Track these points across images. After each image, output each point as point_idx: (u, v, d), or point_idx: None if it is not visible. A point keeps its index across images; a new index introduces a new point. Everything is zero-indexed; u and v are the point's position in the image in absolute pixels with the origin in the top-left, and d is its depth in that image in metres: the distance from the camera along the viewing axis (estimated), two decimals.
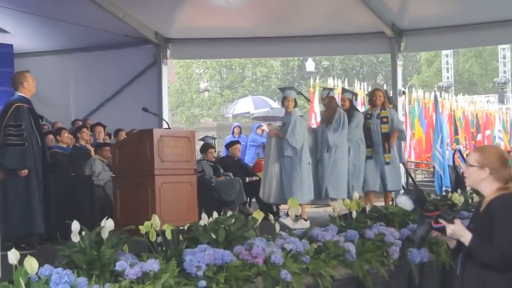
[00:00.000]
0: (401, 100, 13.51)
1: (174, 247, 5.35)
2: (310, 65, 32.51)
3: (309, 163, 9.60)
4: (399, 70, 13.36)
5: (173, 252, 5.24)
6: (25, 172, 7.75)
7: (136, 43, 13.79)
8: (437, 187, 12.84)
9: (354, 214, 7.14)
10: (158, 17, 13.00)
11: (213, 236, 5.62)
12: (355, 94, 11.17)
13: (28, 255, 4.50)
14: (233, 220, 5.85)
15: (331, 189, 9.79)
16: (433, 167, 14.35)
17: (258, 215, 6.06)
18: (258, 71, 38.50)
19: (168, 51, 13.90)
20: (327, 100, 10.26)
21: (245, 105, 22.21)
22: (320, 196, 9.89)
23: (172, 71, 33.19)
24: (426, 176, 21.88)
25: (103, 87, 14.06)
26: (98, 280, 4.69)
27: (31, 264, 4.43)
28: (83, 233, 4.96)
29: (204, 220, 5.79)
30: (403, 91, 13.84)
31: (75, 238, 4.91)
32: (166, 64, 13.99)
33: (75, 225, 4.95)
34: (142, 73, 13.96)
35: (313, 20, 12.83)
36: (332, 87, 12.57)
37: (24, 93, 7.98)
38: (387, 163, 10.32)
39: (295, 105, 9.95)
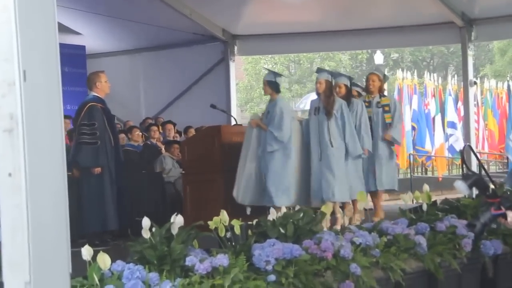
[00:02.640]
0: (472, 91, 13.25)
1: (243, 242, 5.38)
2: (379, 58, 32.22)
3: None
4: (470, 60, 13.08)
5: (242, 247, 5.27)
6: (98, 170, 7.92)
7: (203, 40, 13.91)
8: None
9: (424, 207, 7.04)
10: (225, 14, 13.09)
11: (282, 230, 5.63)
12: (352, 79, 9.67)
13: (101, 251, 4.61)
14: (301, 215, 5.85)
15: (336, 190, 8.44)
16: (507, 158, 14.03)
17: (327, 209, 6.05)
18: (326, 65, 38.29)
19: (236, 47, 13.97)
20: (325, 84, 8.67)
21: None
22: (308, 199, 8.51)
23: (240, 67, 33.35)
24: (501, 167, 21.41)
25: (172, 85, 14.24)
26: (169, 275, 4.76)
27: (104, 260, 4.53)
28: (154, 229, 5.04)
29: (273, 215, 5.81)
30: (474, 82, 13.55)
31: (146, 234, 4.99)
32: (234, 60, 14.07)
33: (146, 222, 5.03)
34: (210, 70, 14.08)
35: (381, 12, 12.69)
36: (329, 69, 10.43)
37: (98, 93, 8.17)
38: (390, 158, 9.43)
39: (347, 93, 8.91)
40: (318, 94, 8.73)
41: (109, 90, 8.32)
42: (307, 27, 13.43)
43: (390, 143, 9.37)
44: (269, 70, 8.93)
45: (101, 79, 8.22)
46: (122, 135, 10.86)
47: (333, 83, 8.77)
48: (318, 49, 21.51)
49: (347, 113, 8.57)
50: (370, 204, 8.13)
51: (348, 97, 8.93)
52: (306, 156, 8.60)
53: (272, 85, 8.49)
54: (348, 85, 9.12)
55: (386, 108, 9.33)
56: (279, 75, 8.83)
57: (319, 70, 9.13)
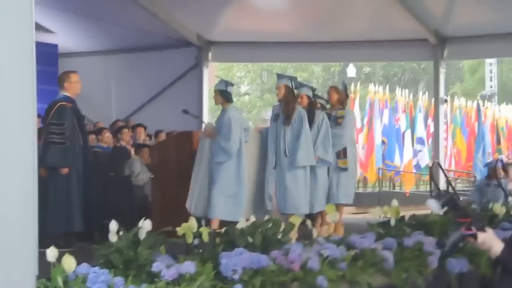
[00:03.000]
0: (443, 108, 13.37)
1: (210, 249, 5.34)
2: (351, 71, 32.37)
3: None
4: (442, 78, 13.24)
5: (210, 254, 5.23)
6: (65, 170, 7.83)
7: (178, 45, 13.89)
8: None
9: (392, 222, 7.05)
10: (200, 19, 13.07)
11: (250, 239, 5.60)
12: (314, 90, 9.44)
13: (66, 254, 4.54)
14: (270, 224, 5.82)
15: (283, 200, 8.33)
16: (474, 176, 14.17)
17: (296, 220, 6.03)
18: (299, 76, 38.38)
19: (210, 53, 13.97)
20: (284, 90, 8.48)
21: None
22: (261, 208, 8.33)
23: (213, 73, 33.29)
24: (467, 185, 21.60)
25: (145, 88, 14.18)
26: (135, 280, 4.69)
27: (69, 262, 4.45)
28: (121, 233, 4.98)
29: (241, 223, 5.77)
30: (445, 99, 13.67)
31: (113, 237, 4.93)
32: (208, 66, 14.07)
33: (113, 225, 4.97)
34: (184, 75, 14.05)
35: (355, 26, 12.79)
36: (291, 75, 9.91)
37: (68, 93, 8.08)
38: (343, 169, 9.18)
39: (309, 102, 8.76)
40: (279, 100, 8.61)
41: (80, 91, 8.22)
42: (282, 36, 13.48)
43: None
44: (221, 78, 8.61)
45: (71, 79, 8.14)
46: (92, 136, 10.75)
47: (295, 94, 8.65)
48: (291, 59, 21.55)
49: (305, 123, 8.39)
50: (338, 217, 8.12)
51: (310, 108, 8.81)
52: (263, 165, 8.50)
53: (223, 94, 8.27)
54: (311, 96, 9.01)
55: (339, 121, 9.25)
56: (231, 84, 8.56)
57: (279, 76, 8.96)
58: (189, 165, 8.29)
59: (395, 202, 7.38)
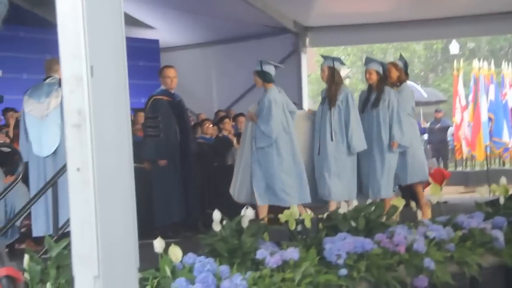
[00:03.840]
0: None
1: (313, 235, 5.35)
2: (454, 47, 31.56)
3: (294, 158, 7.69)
4: None
5: (313, 240, 5.24)
6: (162, 162, 7.96)
7: (275, 33, 13.91)
8: None
9: (501, 200, 6.85)
10: (296, 6, 13.04)
11: (353, 224, 5.57)
12: (384, 65, 8.66)
13: (173, 244, 4.66)
14: (373, 208, 5.77)
15: (332, 189, 7.95)
16: None
17: (399, 202, 5.96)
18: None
19: (307, 39, 13.92)
20: (327, 72, 8.17)
21: None
22: (315, 197, 7.96)
23: (312, 59, 33.15)
24: None
25: (244, 77, 14.24)
26: (240, 268, 4.76)
27: (175, 252, 4.57)
28: (225, 222, 5.06)
29: (344, 208, 5.75)
30: None
31: (217, 227, 5.01)
32: (306, 52, 14.02)
33: (217, 214, 5.05)
34: (282, 62, 14.00)
35: (457, 0, 12.42)
36: (336, 56, 9.12)
37: (166, 87, 8.24)
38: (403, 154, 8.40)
39: (381, 79, 8.22)
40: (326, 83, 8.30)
41: (175, 85, 8.32)
42: (380, 17, 13.26)
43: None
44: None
45: (163, 74, 8.29)
46: (195, 128, 10.94)
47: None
48: (391, 40, 21.25)
49: (352, 105, 8.04)
50: (444, 197, 7.93)
51: (379, 84, 8.31)
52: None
53: (259, 74, 7.87)
54: (380, 71, 8.41)
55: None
56: (267, 63, 7.98)
57: (324, 57, 8.61)
58: None
59: (503, 180, 7.16)
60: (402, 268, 5.41)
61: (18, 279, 1.96)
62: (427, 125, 19.98)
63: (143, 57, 13.90)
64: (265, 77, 7.81)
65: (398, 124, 8.21)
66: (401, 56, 9.40)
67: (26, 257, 4.42)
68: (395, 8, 13.03)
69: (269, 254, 4.83)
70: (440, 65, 38.25)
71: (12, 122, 10.16)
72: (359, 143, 8.02)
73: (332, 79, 8.13)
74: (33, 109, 7.07)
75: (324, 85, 8.38)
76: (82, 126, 2.14)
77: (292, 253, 4.83)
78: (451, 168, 18.87)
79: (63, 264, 4.37)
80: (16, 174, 6.76)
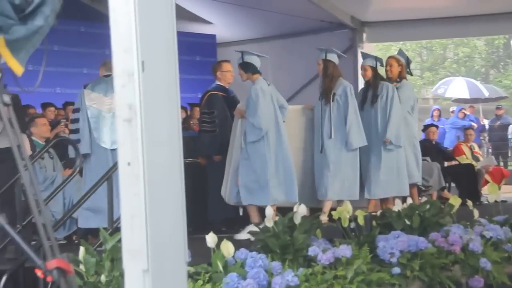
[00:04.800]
0: None
1: (367, 233, 5.31)
2: None
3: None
4: None
5: (366, 238, 5.21)
6: (218, 157, 7.97)
7: (332, 28, 13.79)
8: None
9: None
10: (354, 1, 12.92)
11: (407, 222, 5.51)
12: (380, 60, 8.41)
13: (225, 239, 4.68)
14: (428, 206, 5.70)
15: (332, 188, 7.55)
16: None
17: (455, 201, 5.86)
18: (460, 52, 37.18)
19: (364, 34, 13.78)
20: (324, 65, 7.86)
21: (458, 90, 20.80)
22: (313, 198, 7.59)
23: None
24: None
25: (301, 73, 14.22)
26: (292, 264, 4.76)
27: (228, 247, 4.59)
28: (277, 218, 5.06)
29: (398, 206, 5.69)
30: None
31: (269, 223, 5.01)
32: (363, 48, 13.87)
33: (269, 210, 5.06)
34: (339, 57, 13.96)
35: None
36: (332, 49, 8.34)
37: (220, 82, 8.25)
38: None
39: (376, 75, 7.98)
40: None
41: (231, 80, 8.30)
42: (439, 12, 13.04)
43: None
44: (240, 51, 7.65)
45: (223, 68, 8.29)
46: None
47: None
48: (450, 35, 20.84)
49: (351, 99, 7.64)
50: (502, 197, 7.76)
51: (375, 80, 8.08)
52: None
53: (242, 67, 7.43)
54: (376, 66, 8.16)
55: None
56: (249, 53, 7.56)
57: (319, 49, 8.18)
58: None
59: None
60: (457, 268, 5.34)
61: (68, 271, 1.98)
62: (487, 122, 19.60)
63: (200, 52, 13.97)
64: (248, 69, 7.32)
65: (391, 122, 7.88)
66: (401, 51, 9.06)
67: (82, 250, 4.50)
68: (455, 2, 12.81)
69: (321, 251, 4.81)
70: (501, 61, 37.47)
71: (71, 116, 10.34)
72: (357, 139, 7.62)
73: (326, 72, 7.80)
74: (96, 103, 7.17)
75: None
76: (133, 120, 2.16)
77: (345, 250, 4.81)
78: (510, 167, 18.47)
79: (117, 257, 4.43)
80: (74, 167, 6.88)
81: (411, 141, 8.33)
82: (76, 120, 7.41)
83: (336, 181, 7.53)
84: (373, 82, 8.10)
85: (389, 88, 8.04)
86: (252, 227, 6.50)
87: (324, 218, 6.91)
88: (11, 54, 1.92)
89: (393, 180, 7.83)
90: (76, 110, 7.43)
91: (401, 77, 8.51)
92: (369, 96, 8.12)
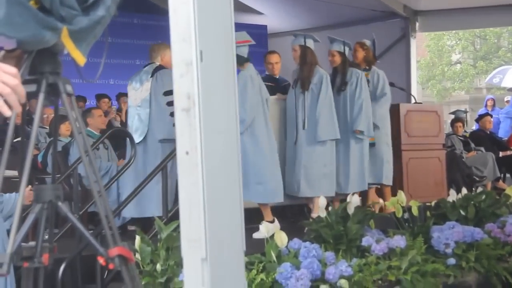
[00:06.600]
0: None
1: (421, 223, 5.27)
2: None
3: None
4: None
5: (420, 228, 5.17)
6: None
7: (383, 17, 13.67)
8: None
9: None
10: None
11: (462, 213, 5.45)
12: (348, 44, 7.81)
13: (278, 229, 4.69)
14: (483, 197, 5.62)
15: (303, 183, 6.99)
16: None
17: (511, 191, 5.77)
18: None
19: (417, 24, 13.60)
20: (300, 51, 7.26)
21: None
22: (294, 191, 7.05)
23: (422, 44, 32.54)
24: None
25: None
26: (345, 255, 4.75)
27: (281, 237, 4.60)
28: (330, 208, 5.05)
29: (453, 196, 5.63)
30: None
31: (322, 213, 5.01)
32: (415, 37, 13.71)
33: (322, 200, 5.05)
34: (390, 47, 13.81)
35: None
36: (311, 35, 7.73)
37: (269, 72, 8.33)
38: (371, 145, 7.56)
39: (345, 60, 7.43)
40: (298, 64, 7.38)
41: (278, 70, 8.30)
42: (495, 0, 12.81)
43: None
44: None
45: (268, 59, 8.33)
46: None
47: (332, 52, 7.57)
48: (505, 23, 20.42)
49: (326, 88, 7.10)
50: None
51: (343, 67, 7.53)
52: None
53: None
54: (345, 52, 7.63)
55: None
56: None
57: (295, 36, 7.63)
58: (398, 138, 8.20)
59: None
60: None
61: (130, 258, 2.01)
62: None
63: None
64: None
65: (363, 111, 7.37)
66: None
67: (138, 239, 4.56)
68: None
69: (375, 241, 4.79)
70: None
71: (124, 107, 10.47)
72: (326, 131, 7.06)
73: (304, 60, 7.23)
74: (131, 96, 7.27)
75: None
76: (191, 110, 2.17)
77: (399, 241, 4.78)
78: None
79: (173, 246, 4.48)
80: (128, 158, 6.96)
81: (387, 138, 7.80)
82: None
83: (309, 176, 7.01)
84: (342, 69, 7.55)
85: (359, 74, 7.52)
86: (266, 226, 5.74)
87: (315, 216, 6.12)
88: (74, 45, 1.95)
89: (361, 173, 7.31)
90: None
91: (369, 62, 8.03)
92: (336, 83, 7.54)
